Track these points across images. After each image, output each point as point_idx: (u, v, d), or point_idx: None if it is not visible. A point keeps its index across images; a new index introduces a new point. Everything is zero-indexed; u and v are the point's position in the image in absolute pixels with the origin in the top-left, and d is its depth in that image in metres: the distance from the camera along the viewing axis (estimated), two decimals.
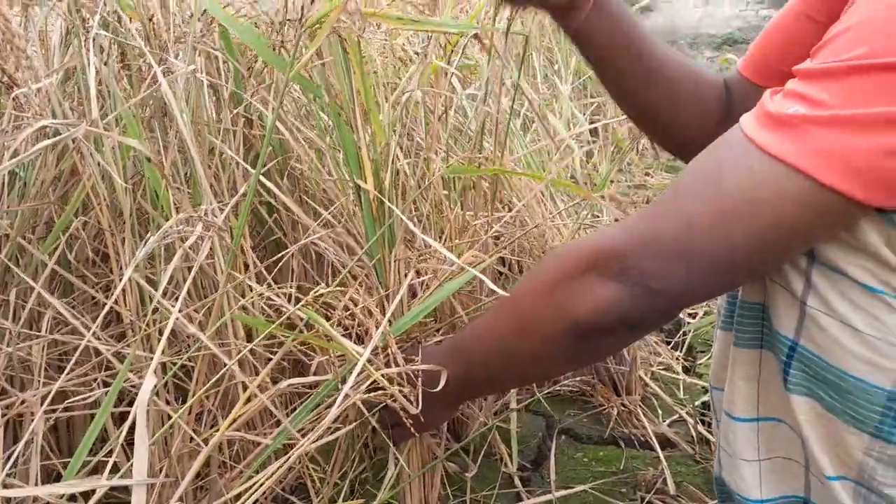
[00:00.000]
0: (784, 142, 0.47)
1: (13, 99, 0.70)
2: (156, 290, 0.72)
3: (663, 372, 1.34)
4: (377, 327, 0.73)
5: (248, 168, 0.90)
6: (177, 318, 0.65)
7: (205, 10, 0.88)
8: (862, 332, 0.50)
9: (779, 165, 0.47)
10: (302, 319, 0.74)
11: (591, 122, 1.89)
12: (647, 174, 2.62)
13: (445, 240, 1.00)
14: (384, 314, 0.77)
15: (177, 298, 0.67)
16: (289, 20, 0.83)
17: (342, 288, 0.75)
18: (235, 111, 0.99)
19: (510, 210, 1.10)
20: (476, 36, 0.87)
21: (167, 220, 0.82)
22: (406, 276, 0.80)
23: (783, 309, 0.56)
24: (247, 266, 0.83)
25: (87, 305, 0.96)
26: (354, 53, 0.83)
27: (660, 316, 0.56)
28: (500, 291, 0.60)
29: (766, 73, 0.77)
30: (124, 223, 0.82)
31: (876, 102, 0.44)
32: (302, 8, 0.77)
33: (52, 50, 0.90)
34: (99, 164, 0.72)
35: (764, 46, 0.78)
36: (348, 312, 0.76)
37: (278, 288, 0.79)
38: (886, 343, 0.50)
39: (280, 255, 0.85)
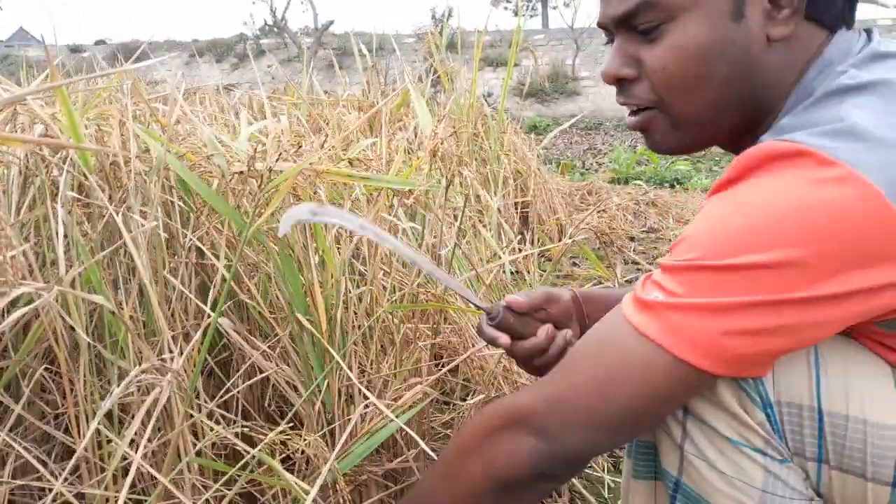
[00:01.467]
0: (649, 323, 0.58)
1: None
2: (113, 428, 0.78)
3: (588, 471, 1.43)
4: (325, 463, 0.80)
5: (201, 305, 0.97)
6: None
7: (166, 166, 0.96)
8: (727, 474, 0.61)
9: (646, 341, 0.58)
10: (254, 457, 0.80)
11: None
12: (574, 264, 2.79)
13: (390, 357, 1.08)
14: (333, 447, 0.84)
15: (136, 446, 0.73)
16: (244, 174, 0.92)
17: (293, 432, 0.82)
18: (188, 244, 1.06)
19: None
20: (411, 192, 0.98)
21: (124, 359, 0.88)
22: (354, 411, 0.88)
23: (667, 449, 0.66)
24: (199, 399, 0.89)
25: (38, 434, 0.99)
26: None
27: (568, 468, 0.65)
28: (430, 452, 0.69)
29: None
30: (79, 362, 0.87)
31: (709, 294, 0.55)
32: (269, 169, 0.86)
33: (10, 196, 0.96)
34: (63, 319, 0.78)
35: None
36: (297, 449, 0.83)
37: (229, 426, 0.85)
38: (746, 484, 0.61)
39: (228, 390, 0.92)
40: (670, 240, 3.38)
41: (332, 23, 15.21)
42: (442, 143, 1.21)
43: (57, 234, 0.78)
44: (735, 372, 0.58)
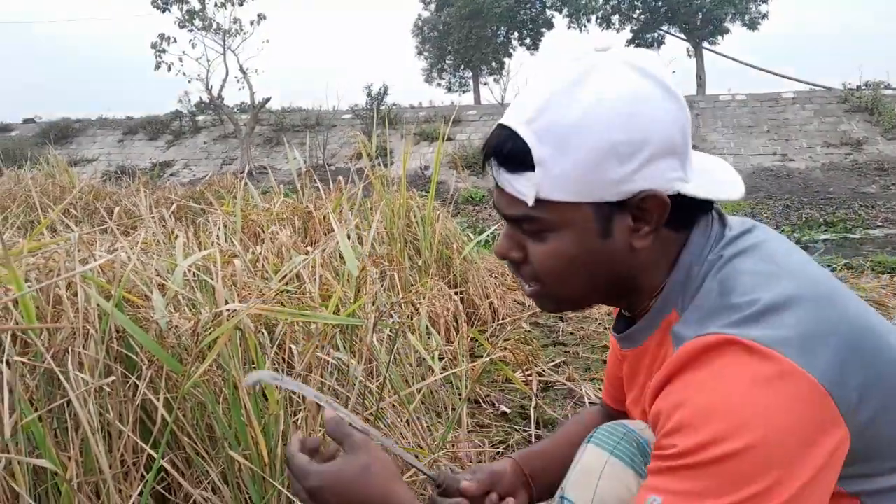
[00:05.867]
0: None
1: None
2: None
3: None
4: None
5: (143, 446, 1.03)
6: None
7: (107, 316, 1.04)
8: None
9: None
10: None
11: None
12: (505, 349, 2.91)
13: None
14: None
15: None
16: (179, 329, 1.01)
17: None
18: (132, 392, 1.12)
19: None
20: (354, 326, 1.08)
21: None
22: None
23: None
24: None
25: None
26: (253, 347, 1.02)
27: None
28: None
29: (613, 400, 1.02)
30: None
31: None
32: (203, 329, 0.95)
33: None
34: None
35: (607, 384, 1.04)
36: None
37: None
38: None
39: None
40: (596, 318, 3.55)
41: (268, 100, 15.44)
42: (366, 283, 1.32)
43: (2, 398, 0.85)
44: None
